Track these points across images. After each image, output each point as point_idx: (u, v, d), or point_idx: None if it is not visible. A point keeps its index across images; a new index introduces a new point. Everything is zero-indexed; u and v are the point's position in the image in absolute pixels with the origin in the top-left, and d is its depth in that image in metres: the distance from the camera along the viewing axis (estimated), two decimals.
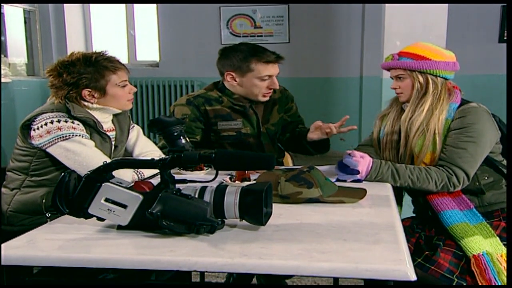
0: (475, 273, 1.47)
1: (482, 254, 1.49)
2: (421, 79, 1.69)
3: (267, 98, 2.11)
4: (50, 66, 1.73)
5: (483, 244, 1.52)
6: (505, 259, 1.50)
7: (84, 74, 1.68)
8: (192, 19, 5.87)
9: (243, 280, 2.15)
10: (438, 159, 1.67)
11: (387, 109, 1.88)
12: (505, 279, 1.45)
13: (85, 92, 1.70)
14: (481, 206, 1.68)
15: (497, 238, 1.56)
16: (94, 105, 1.74)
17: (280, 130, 2.28)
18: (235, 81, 2.07)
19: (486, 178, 1.69)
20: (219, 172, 1.16)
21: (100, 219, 1.10)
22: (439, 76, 1.70)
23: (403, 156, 1.76)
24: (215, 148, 2.09)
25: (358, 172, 1.63)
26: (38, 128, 1.64)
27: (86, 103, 1.73)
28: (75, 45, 5.88)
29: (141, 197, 1.08)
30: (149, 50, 6.16)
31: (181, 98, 2.15)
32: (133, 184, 1.16)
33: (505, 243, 1.55)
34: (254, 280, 2.31)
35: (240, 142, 2.13)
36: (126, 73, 1.79)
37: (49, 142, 1.64)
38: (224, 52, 2.12)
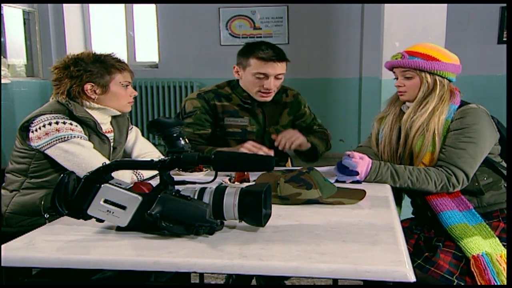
0: (475, 274, 1.47)
1: (482, 255, 1.49)
2: (429, 79, 1.69)
3: (264, 99, 2.08)
4: (57, 62, 1.76)
5: (482, 244, 1.52)
6: (505, 259, 1.49)
7: (90, 69, 1.71)
8: (191, 20, 5.87)
9: (242, 281, 2.15)
10: (437, 159, 1.68)
11: (385, 111, 1.88)
12: (504, 279, 1.45)
13: (88, 86, 1.71)
14: (480, 207, 1.68)
15: (497, 238, 1.56)
16: (94, 105, 1.74)
17: None
18: (238, 74, 2.10)
19: (485, 178, 1.69)
20: (218, 173, 1.16)
21: (99, 220, 1.10)
22: (446, 78, 1.71)
23: (402, 156, 1.77)
24: (219, 143, 2.11)
25: (357, 173, 1.63)
26: (36, 130, 1.64)
27: (86, 102, 1.73)
28: (74, 46, 5.87)
29: (140, 198, 1.08)
30: (148, 51, 6.16)
31: (192, 93, 2.19)
32: (132, 185, 1.16)
33: (504, 243, 1.55)
34: (254, 281, 2.31)
35: (244, 139, 2.13)
36: (131, 75, 1.83)
37: (47, 144, 1.64)
38: (243, 46, 2.13)
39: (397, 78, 1.78)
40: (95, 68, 1.72)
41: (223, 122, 2.12)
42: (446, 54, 1.73)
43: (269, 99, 2.09)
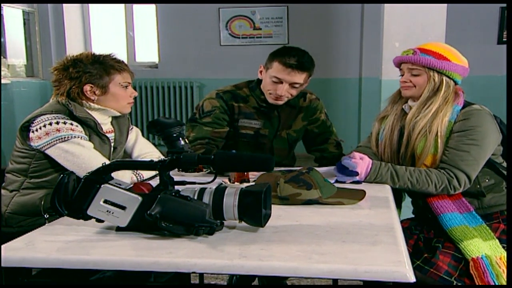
0: (474, 276, 1.46)
1: (481, 257, 1.48)
2: (436, 78, 1.68)
3: (275, 102, 2.06)
4: (56, 63, 1.76)
5: (482, 247, 1.51)
6: (504, 262, 1.48)
7: (89, 70, 1.71)
8: (191, 20, 5.87)
9: (245, 281, 2.15)
10: (440, 161, 1.66)
11: (386, 110, 1.86)
12: (504, 282, 1.44)
13: (87, 88, 1.71)
14: (481, 208, 1.67)
15: (496, 240, 1.55)
16: (94, 105, 1.74)
17: (300, 137, 2.27)
18: (261, 74, 2.09)
19: (487, 180, 1.68)
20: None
21: (99, 220, 1.10)
22: (452, 79, 1.70)
23: (404, 157, 1.75)
24: (230, 143, 2.12)
25: (357, 174, 1.63)
26: (36, 130, 1.64)
27: (86, 103, 1.73)
28: (74, 46, 5.87)
29: (140, 198, 1.08)
30: (148, 51, 6.16)
31: (210, 93, 2.16)
32: (132, 185, 1.16)
33: (504, 245, 1.54)
34: (256, 281, 2.31)
35: (255, 142, 2.13)
36: (131, 76, 1.83)
37: (47, 144, 1.64)
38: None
39: (402, 75, 1.77)
40: (94, 69, 1.72)
41: (237, 123, 2.11)
42: (457, 55, 1.72)
43: (280, 103, 2.06)
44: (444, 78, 1.69)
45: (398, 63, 1.78)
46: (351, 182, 1.64)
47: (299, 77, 1.99)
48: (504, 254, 1.51)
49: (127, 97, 1.80)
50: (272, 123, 2.14)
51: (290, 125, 2.19)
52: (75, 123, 1.68)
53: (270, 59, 2.03)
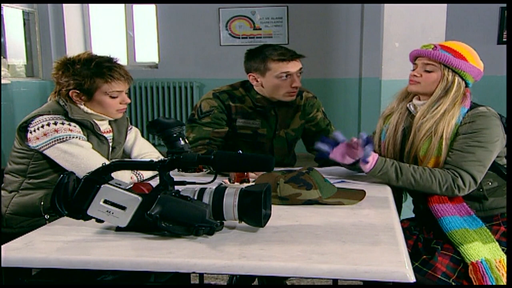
0: (473, 280, 1.44)
1: (481, 261, 1.46)
2: (450, 77, 1.66)
3: (292, 98, 2.08)
4: (54, 63, 1.75)
5: (482, 250, 1.49)
6: (504, 265, 1.47)
7: (77, 75, 1.68)
8: (191, 21, 5.87)
9: (245, 281, 2.15)
10: (444, 163, 1.64)
11: (392, 107, 1.83)
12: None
13: (73, 93, 1.70)
14: (482, 211, 1.66)
15: (496, 243, 1.53)
16: (84, 108, 1.73)
17: (300, 135, 2.26)
18: (257, 81, 2.07)
19: (489, 183, 1.66)
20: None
21: (99, 220, 1.10)
22: (464, 80, 1.68)
23: (407, 157, 1.73)
24: (230, 143, 2.12)
25: (336, 144, 1.66)
26: (35, 131, 1.64)
27: (79, 105, 1.73)
28: (74, 47, 5.87)
29: (140, 198, 1.08)
30: (148, 52, 6.16)
31: (207, 93, 2.16)
32: (132, 185, 1.16)
33: (504, 248, 1.53)
34: (256, 281, 2.30)
35: (254, 141, 2.13)
36: (123, 84, 1.75)
37: (46, 144, 1.63)
38: (247, 54, 2.12)
39: (414, 70, 1.74)
40: (81, 76, 1.68)
41: (235, 123, 2.11)
42: (475, 57, 1.69)
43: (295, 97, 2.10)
44: (457, 78, 1.66)
45: (414, 58, 1.75)
46: (352, 182, 1.64)
47: (299, 63, 2.04)
48: (503, 257, 1.49)
49: (115, 104, 1.75)
50: (270, 123, 2.14)
51: (288, 124, 2.19)
52: (73, 124, 1.67)
53: (260, 63, 2.02)
